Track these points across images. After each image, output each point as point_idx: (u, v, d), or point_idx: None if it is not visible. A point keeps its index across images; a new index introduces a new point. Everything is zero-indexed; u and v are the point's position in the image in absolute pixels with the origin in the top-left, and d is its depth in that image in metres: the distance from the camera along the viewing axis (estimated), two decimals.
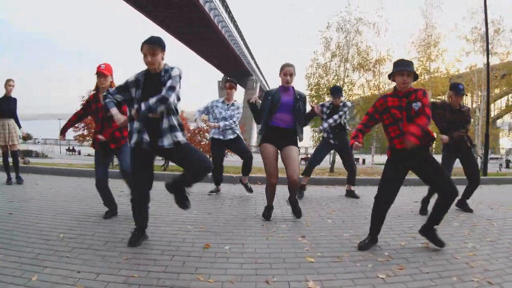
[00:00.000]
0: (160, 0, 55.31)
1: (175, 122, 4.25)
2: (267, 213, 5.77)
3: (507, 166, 38.43)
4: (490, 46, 26.48)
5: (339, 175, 11.84)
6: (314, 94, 26.62)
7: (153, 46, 4.09)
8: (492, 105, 30.67)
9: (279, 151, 5.71)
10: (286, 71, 5.60)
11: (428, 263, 4.00)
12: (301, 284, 3.41)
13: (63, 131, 5.97)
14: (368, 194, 7.51)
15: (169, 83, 4.07)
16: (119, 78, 4.99)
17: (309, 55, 28.34)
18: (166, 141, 4.18)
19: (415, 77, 4.37)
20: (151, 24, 63.67)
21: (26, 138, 9.40)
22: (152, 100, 3.98)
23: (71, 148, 54.87)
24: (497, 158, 50.57)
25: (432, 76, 26.94)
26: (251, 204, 6.84)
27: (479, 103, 28.40)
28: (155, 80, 4.19)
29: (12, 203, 6.38)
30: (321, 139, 7.85)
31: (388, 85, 27.03)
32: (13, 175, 8.58)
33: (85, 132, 23.62)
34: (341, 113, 7.31)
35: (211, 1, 57.63)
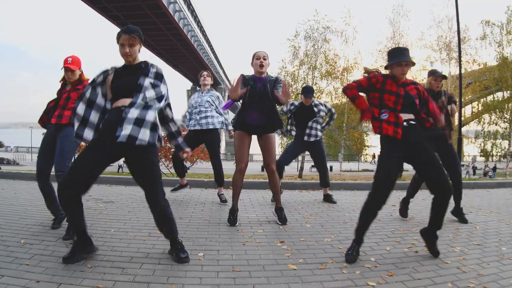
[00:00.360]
0: (133, 14, 55.34)
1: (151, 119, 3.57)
2: (232, 217, 5.37)
3: (474, 173, 39.10)
4: (455, 55, 27.07)
5: (312, 179, 11.61)
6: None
7: (132, 35, 3.63)
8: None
9: (255, 137, 5.51)
10: (259, 55, 5.27)
11: (418, 268, 3.71)
12: None
13: (40, 122, 5.29)
14: (342, 198, 7.27)
15: (161, 92, 3.67)
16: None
17: (277, 63, 28.63)
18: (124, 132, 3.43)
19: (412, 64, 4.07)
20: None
21: None
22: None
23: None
24: (463, 165, 52.47)
25: None
26: (224, 209, 6.36)
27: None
28: (131, 70, 3.71)
29: None
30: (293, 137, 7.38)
31: None
32: None
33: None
34: (318, 117, 6.96)
35: (180, 11, 57.75)
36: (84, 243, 3.73)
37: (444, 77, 5.82)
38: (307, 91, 7.07)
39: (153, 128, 3.49)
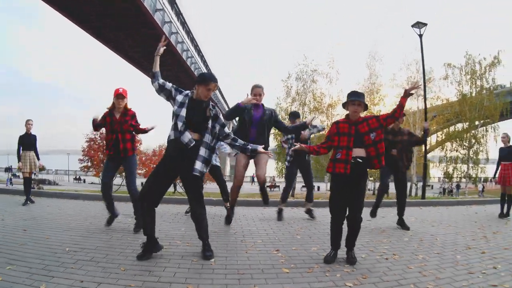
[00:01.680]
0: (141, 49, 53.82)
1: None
2: (227, 219, 6.02)
3: (445, 193, 38.98)
4: (422, 92, 27.38)
5: (303, 198, 11.71)
6: (278, 132, 27.12)
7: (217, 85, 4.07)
8: None
9: (252, 160, 5.78)
10: (256, 92, 5.64)
11: (387, 272, 3.85)
12: None
13: (95, 128, 5.81)
14: (327, 214, 7.12)
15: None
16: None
17: (273, 100, 28.89)
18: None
19: (365, 107, 4.22)
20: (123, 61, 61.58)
21: (42, 169, 9.25)
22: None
23: (77, 177, 54.59)
24: (429, 185, 52.18)
25: None
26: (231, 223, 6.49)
27: None
28: (200, 107, 4.06)
29: (26, 221, 6.01)
30: (287, 164, 7.37)
31: None
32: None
33: (89, 164, 23.85)
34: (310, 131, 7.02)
35: (177, 33, 55.75)
36: (152, 244, 4.08)
37: (403, 115, 6.13)
38: (291, 115, 7.29)
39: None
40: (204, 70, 64.21)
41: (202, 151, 3.98)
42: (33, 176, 8.38)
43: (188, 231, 5.46)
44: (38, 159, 8.70)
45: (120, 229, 5.53)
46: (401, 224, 6.42)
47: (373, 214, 6.67)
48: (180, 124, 3.89)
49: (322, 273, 3.75)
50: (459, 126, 29.60)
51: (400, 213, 6.46)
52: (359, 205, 4.22)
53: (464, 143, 28.40)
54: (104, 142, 15.34)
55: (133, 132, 5.57)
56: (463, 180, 29.72)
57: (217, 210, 7.78)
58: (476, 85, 27.56)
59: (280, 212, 6.96)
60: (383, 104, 28.36)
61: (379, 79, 28.87)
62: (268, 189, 6.50)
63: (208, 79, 3.97)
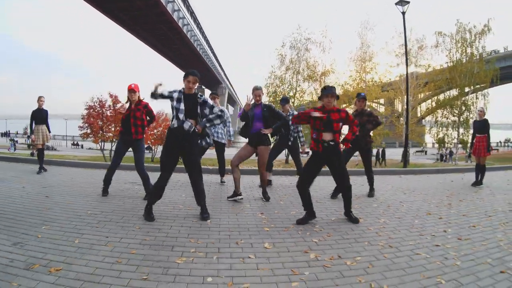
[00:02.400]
0: (137, 20, 54.19)
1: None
2: (232, 196, 6.56)
3: (442, 160, 39.24)
4: (414, 60, 27.65)
5: (291, 166, 12.51)
6: (272, 100, 27.33)
7: (196, 77, 5.02)
8: (418, 107, 32.00)
9: (257, 148, 6.57)
10: (256, 94, 6.45)
11: (349, 232, 4.75)
12: (260, 245, 4.16)
13: (120, 130, 6.84)
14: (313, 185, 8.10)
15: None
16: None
17: (267, 68, 29.18)
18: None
19: (337, 97, 5.17)
20: (127, 34, 61.29)
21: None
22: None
23: (75, 142, 54.60)
24: (422, 151, 52.98)
25: (367, 85, 27.91)
26: (223, 190, 7.54)
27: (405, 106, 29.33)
28: (192, 98, 5.05)
29: (45, 189, 6.86)
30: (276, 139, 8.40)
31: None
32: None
33: (88, 131, 23.85)
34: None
35: (184, 18, 56.84)
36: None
37: (365, 98, 7.29)
38: (282, 100, 8.32)
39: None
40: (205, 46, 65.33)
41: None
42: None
43: (188, 197, 6.40)
44: (49, 131, 9.59)
45: (130, 195, 6.53)
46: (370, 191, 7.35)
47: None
48: (181, 116, 4.90)
49: (295, 231, 4.69)
50: (450, 93, 30.00)
51: (371, 182, 7.37)
52: (343, 177, 5.23)
53: (455, 110, 28.85)
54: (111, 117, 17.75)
55: (144, 122, 6.60)
56: (457, 146, 29.83)
57: (212, 179, 8.74)
58: (466, 53, 27.79)
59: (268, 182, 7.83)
60: (375, 72, 28.75)
61: (371, 48, 29.13)
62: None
63: (186, 74, 5.01)
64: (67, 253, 3.67)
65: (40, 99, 9.35)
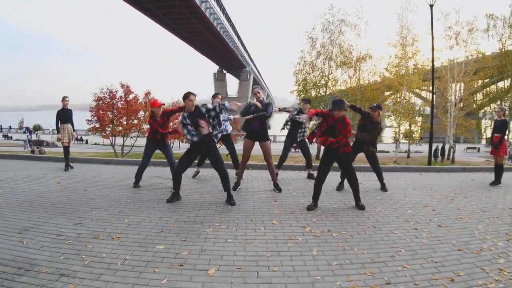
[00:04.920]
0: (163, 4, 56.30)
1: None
2: (235, 186, 8.30)
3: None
4: (464, 44, 28.26)
5: (295, 162, 14.40)
6: (301, 89, 28.43)
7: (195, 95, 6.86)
8: (467, 99, 31.38)
9: (257, 142, 8.20)
10: (255, 91, 8.31)
11: (345, 216, 6.44)
12: (269, 221, 6.00)
13: (151, 137, 8.64)
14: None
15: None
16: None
17: (296, 53, 29.89)
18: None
19: (344, 110, 6.69)
20: (149, 21, 63.22)
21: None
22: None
23: (79, 137, 55.22)
24: (474, 148, 52.63)
25: (407, 73, 28.33)
26: (244, 181, 9.23)
27: (451, 97, 29.85)
28: (194, 116, 6.78)
29: (80, 184, 8.70)
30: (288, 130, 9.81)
31: (368, 80, 29.60)
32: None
33: (97, 125, 25.88)
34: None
35: (207, 1, 58.59)
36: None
37: (380, 108, 8.28)
38: (304, 101, 9.82)
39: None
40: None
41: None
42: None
43: (213, 188, 8.28)
44: (74, 130, 11.26)
45: (159, 187, 8.44)
46: (382, 187, 8.73)
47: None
48: (195, 134, 6.75)
49: (300, 214, 6.45)
50: (500, 85, 30.31)
51: (380, 178, 8.73)
52: (348, 174, 6.96)
53: (505, 105, 28.75)
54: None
55: (169, 128, 8.58)
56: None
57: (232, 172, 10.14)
58: None
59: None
60: (415, 59, 29.14)
61: (412, 32, 29.40)
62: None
63: (187, 94, 6.75)
64: (121, 228, 5.47)
65: (64, 99, 11.00)
